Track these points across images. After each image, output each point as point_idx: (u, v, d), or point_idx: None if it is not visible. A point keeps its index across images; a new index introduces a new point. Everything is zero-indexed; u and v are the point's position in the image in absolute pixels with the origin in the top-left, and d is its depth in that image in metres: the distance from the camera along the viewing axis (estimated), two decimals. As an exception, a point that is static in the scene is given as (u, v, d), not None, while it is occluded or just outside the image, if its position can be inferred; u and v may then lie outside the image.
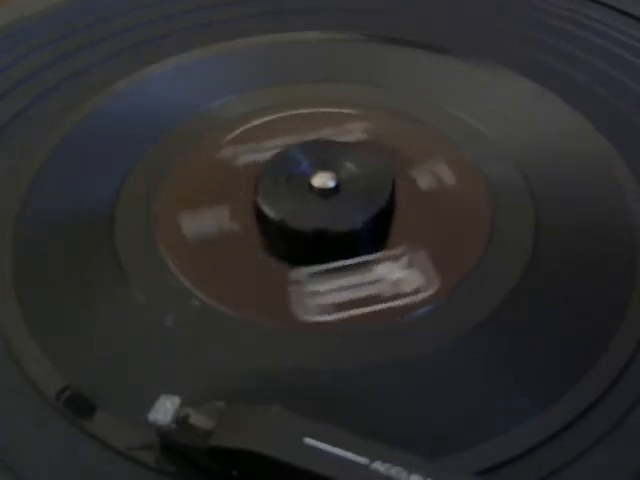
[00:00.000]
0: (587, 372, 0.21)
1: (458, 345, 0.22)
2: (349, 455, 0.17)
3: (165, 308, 0.23)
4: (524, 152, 0.28)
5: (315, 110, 0.29)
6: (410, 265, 0.24)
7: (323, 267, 0.24)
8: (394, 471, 0.17)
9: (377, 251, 0.24)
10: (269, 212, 0.24)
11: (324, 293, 0.23)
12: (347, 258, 0.24)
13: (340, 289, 0.24)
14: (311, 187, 0.25)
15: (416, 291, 0.23)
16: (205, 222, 0.26)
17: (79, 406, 0.21)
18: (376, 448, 0.18)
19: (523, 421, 0.20)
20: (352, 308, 0.23)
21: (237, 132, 0.29)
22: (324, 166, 0.25)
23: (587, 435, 0.20)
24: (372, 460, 0.17)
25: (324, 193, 0.25)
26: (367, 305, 0.23)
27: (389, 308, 0.23)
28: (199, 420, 0.19)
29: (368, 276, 0.24)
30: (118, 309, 0.23)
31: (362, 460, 0.17)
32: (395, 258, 0.24)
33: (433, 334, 0.22)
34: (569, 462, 0.20)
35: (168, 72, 0.31)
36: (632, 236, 0.25)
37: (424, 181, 0.27)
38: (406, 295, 0.23)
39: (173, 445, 0.19)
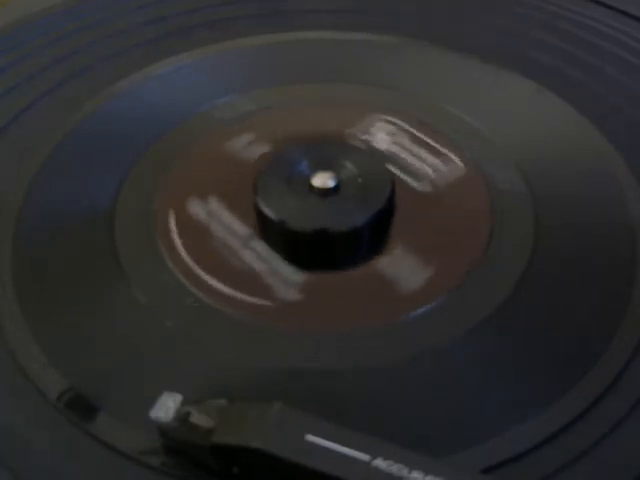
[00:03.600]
0: (587, 372, 0.21)
1: (458, 345, 0.22)
2: (350, 452, 0.17)
3: (165, 308, 0.23)
4: (524, 152, 0.28)
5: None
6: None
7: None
8: (395, 468, 0.17)
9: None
10: (269, 212, 0.24)
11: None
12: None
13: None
14: (311, 187, 0.25)
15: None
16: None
17: (79, 406, 0.21)
18: (377, 445, 0.18)
19: (523, 421, 0.20)
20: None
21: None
22: (324, 166, 0.25)
23: (587, 435, 0.20)
24: (373, 457, 0.17)
25: (324, 193, 0.25)
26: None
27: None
28: (200, 418, 0.19)
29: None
30: (118, 309, 0.23)
31: (363, 457, 0.17)
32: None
33: (433, 334, 0.22)
34: (569, 462, 0.20)
35: (168, 72, 0.31)
36: (632, 236, 0.25)
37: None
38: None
39: (174, 442, 0.19)
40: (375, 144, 0.28)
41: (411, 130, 0.28)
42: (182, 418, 0.19)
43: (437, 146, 0.27)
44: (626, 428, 0.20)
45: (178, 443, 0.19)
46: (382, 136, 0.28)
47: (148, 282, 0.24)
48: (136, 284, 0.24)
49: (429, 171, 0.26)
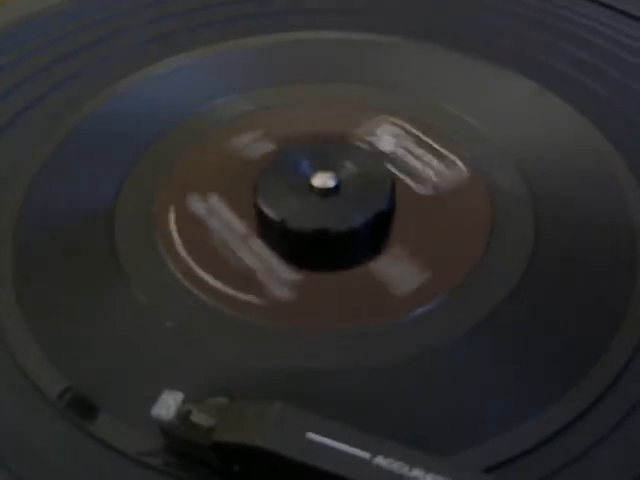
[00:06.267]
0: (587, 372, 0.21)
1: (458, 345, 0.22)
2: (351, 450, 0.17)
3: (165, 308, 0.23)
4: (524, 152, 0.28)
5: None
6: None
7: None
8: (396, 466, 0.17)
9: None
10: (269, 212, 0.24)
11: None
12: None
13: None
14: (311, 187, 0.25)
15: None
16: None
17: (79, 406, 0.21)
18: (378, 443, 0.18)
19: (523, 421, 0.20)
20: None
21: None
22: (324, 166, 0.25)
23: (587, 435, 0.20)
24: (374, 455, 0.17)
25: (324, 193, 0.25)
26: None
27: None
28: (201, 416, 0.19)
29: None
30: (118, 309, 0.23)
31: (364, 455, 0.17)
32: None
33: (433, 334, 0.22)
34: (569, 462, 0.20)
35: (168, 72, 0.31)
36: (632, 236, 0.25)
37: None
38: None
39: (175, 441, 0.19)
40: (380, 146, 0.28)
41: (416, 133, 0.28)
42: (183, 416, 0.19)
43: (441, 150, 0.27)
44: (626, 428, 0.20)
45: (179, 441, 0.19)
46: (387, 138, 0.28)
47: (148, 282, 0.24)
48: (136, 284, 0.24)
49: (432, 174, 0.26)
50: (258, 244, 0.25)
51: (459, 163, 0.27)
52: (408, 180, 0.26)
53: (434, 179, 0.26)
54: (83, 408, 0.21)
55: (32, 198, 0.26)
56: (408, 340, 0.22)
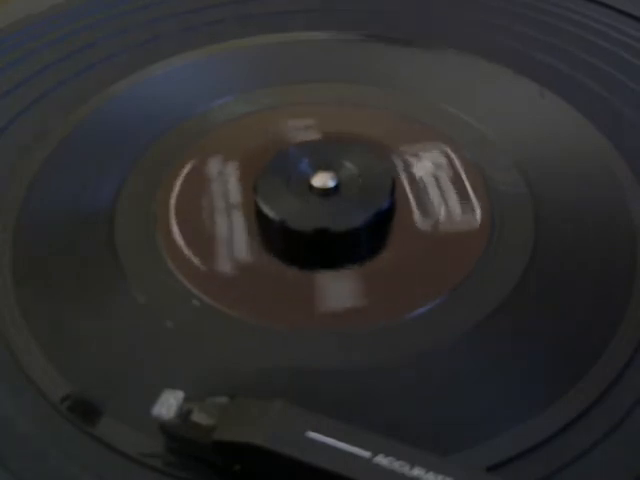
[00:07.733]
0: (587, 372, 0.21)
1: (458, 345, 0.22)
2: (352, 449, 0.17)
3: (165, 308, 0.23)
4: (524, 152, 0.28)
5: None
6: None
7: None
8: (397, 464, 0.17)
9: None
10: (269, 212, 0.24)
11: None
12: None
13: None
14: (311, 187, 0.25)
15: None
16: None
17: (79, 407, 0.21)
18: (379, 442, 0.18)
19: (523, 421, 0.20)
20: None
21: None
22: (324, 166, 0.25)
23: (587, 435, 0.20)
24: (375, 454, 0.17)
25: (324, 193, 0.25)
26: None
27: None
28: (202, 415, 0.19)
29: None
30: (118, 309, 0.23)
31: (365, 454, 0.17)
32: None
33: (433, 334, 0.22)
34: (569, 462, 0.20)
35: (168, 72, 0.31)
36: (632, 236, 0.25)
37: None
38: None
39: (176, 439, 0.19)
40: (414, 168, 0.27)
41: (458, 169, 0.27)
42: (184, 415, 0.19)
43: (470, 193, 0.26)
44: (626, 428, 0.20)
45: (179, 441, 0.19)
46: (427, 164, 0.27)
47: (148, 282, 0.24)
48: (136, 284, 0.24)
49: (441, 214, 0.25)
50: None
51: (477, 212, 0.25)
52: (414, 208, 0.26)
53: (441, 217, 0.25)
54: (83, 408, 0.21)
55: (32, 198, 0.26)
56: (408, 340, 0.22)
